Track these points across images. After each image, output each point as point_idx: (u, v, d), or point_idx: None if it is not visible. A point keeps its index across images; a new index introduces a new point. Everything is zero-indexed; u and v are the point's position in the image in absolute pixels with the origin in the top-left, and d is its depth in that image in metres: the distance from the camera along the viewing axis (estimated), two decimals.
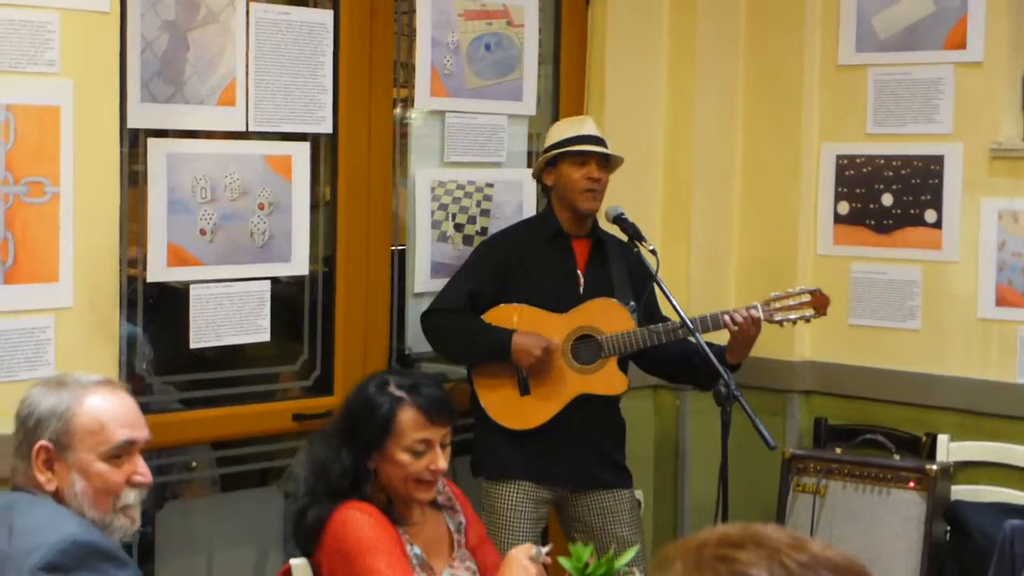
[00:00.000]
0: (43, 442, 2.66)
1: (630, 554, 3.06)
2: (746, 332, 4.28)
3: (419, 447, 3.31)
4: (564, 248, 4.50)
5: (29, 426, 2.68)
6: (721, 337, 4.35)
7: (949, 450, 4.85)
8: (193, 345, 4.10)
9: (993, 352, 4.88)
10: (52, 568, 2.43)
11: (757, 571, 1.40)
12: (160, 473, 3.99)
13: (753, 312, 4.28)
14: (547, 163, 4.49)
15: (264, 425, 4.35)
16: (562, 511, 4.54)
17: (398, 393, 3.35)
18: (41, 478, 2.66)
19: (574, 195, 4.43)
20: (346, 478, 3.30)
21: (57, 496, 2.66)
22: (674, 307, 4.18)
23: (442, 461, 3.34)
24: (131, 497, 2.70)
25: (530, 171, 4.98)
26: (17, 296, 3.57)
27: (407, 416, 3.32)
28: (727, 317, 4.29)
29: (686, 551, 1.46)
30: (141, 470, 2.72)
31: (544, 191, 4.61)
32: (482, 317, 4.42)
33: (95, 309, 3.72)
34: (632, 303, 4.41)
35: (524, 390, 4.40)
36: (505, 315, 4.41)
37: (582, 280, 4.48)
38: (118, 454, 2.70)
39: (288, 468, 4.07)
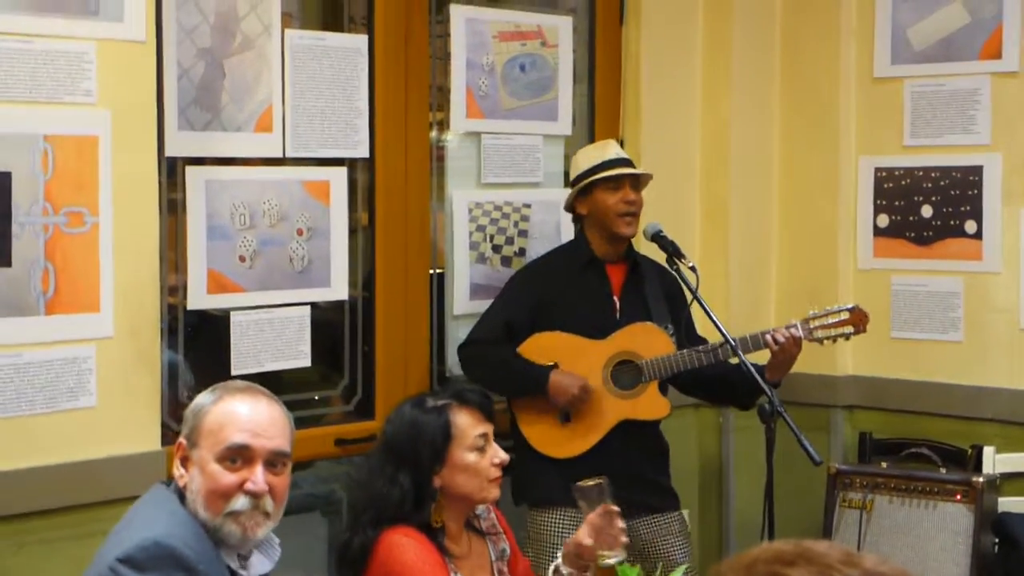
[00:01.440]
0: (180, 439, 2.73)
1: (678, 573, 3.04)
2: (787, 351, 4.25)
3: (480, 442, 3.36)
4: (599, 274, 4.48)
5: (186, 420, 2.77)
6: (760, 356, 4.33)
7: (995, 462, 4.81)
8: (234, 372, 4.10)
9: None
10: (126, 560, 2.50)
11: None
12: None
13: (794, 331, 4.25)
14: (579, 192, 4.47)
15: (307, 450, 4.33)
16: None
17: (443, 402, 3.38)
18: (176, 472, 2.72)
19: (612, 220, 4.41)
20: (408, 502, 3.29)
21: (184, 492, 2.71)
22: (717, 326, 4.15)
23: (503, 452, 3.40)
24: (241, 503, 2.68)
25: (567, 191, 4.98)
26: (59, 326, 3.59)
27: (462, 417, 3.36)
28: (768, 337, 4.26)
29: (738, 568, 1.45)
30: (255, 478, 2.69)
31: (575, 219, 4.59)
32: (521, 346, 4.41)
33: (136, 338, 3.73)
34: (670, 325, 4.39)
35: (565, 419, 4.38)
36: (544, 344, 4.39)
37: (618, 305, 4.45)
38: (233, 457, 2.69)
39: (334, 494, 4.07)
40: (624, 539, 3.27)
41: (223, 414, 2.72)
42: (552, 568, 3.32)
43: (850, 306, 4.34)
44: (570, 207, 4.54)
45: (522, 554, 3.60)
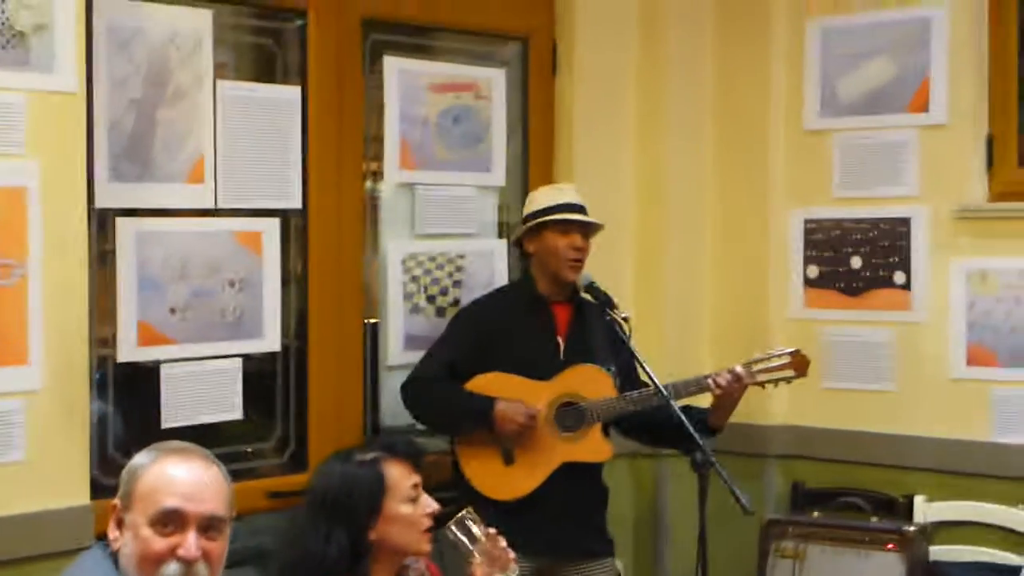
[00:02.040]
0: (115, 500, 2.66)
1: None
2: (729, 394, 4.28)
3: (414, 493, 3.34)
4: (544, 313, 4.48)
5: (122, 480, 2.69)
6: (704, 399, 4.35)
7: (927, 511, 4.84)
8: (165, 424, 4.06)
9: (967, 411, 4.89)
10: None
11: None
12: None
13: (737, 373, 4.27)
14: (529, 230, 4.49)
15: (239, 504, 4.23)
16: None
17: (372, 455, 3.35)
18: (111, 535, 2.64)
19: (558, 264, 4.42)
20: (344, 559, 3.26)
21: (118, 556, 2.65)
22: (648, 375, 4.17)
23: (434, 502, 3.37)
24: (172, 570, 2.59)
25: (501, 241, 5.01)
26: None
27: (394, 469, 3.33)
28: (710, 380, 4.28)
29: None
30: (187, 544, 2.60)
31: (522, 256, 4.61)
32: (465, 385, 4.40)
33: (65, 391, 3.68)
34: (613, 368, 4.40)
35: (508, 460, 4.37)
36: (487, 384, 4.39)
37: (562, 345, 4.46)
38: (165, 522, 2.61)
39: (266, 547, 4.02)
40: (512, 556, 3.33)
41: (156, 477, 2.64)
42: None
43: (791, 350, 4.38)
44: (518, 243, 4.56)
45: None
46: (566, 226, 4.42)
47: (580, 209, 4.47)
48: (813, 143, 5.24)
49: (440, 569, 3.58)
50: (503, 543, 3.33)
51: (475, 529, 3.33)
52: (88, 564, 2.65)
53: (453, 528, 3.32)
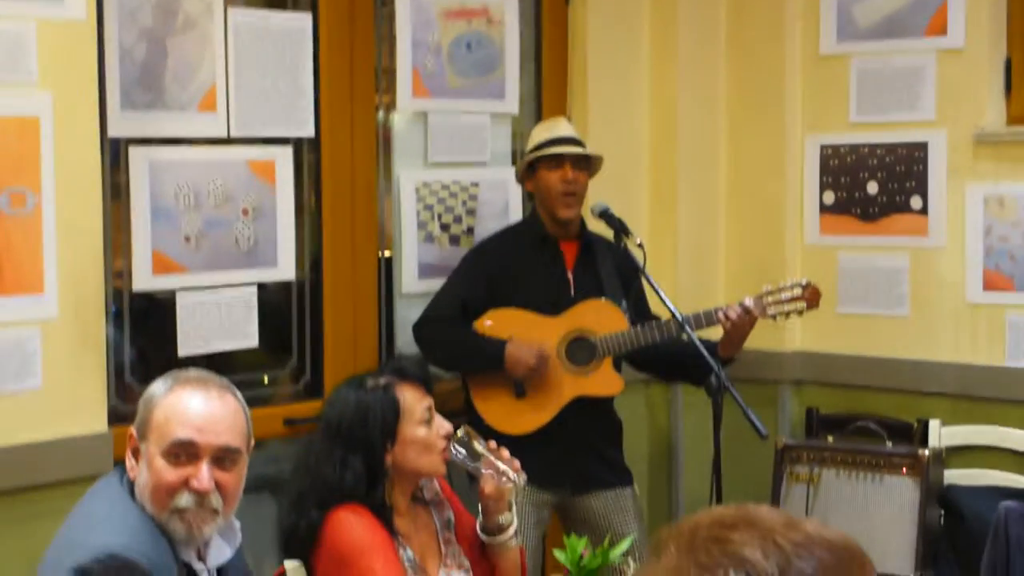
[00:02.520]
0: (132, 429, 2.65)
1: (624, 545, 3.06)
2: (740, 328, 4.27)
3: (428, 415, 3.35)
4: (553, 251, 4.48)
5: (139, 409, 2.68)
6: (714, 333, 4.35)
7: (941, 435, 4.85)
8: (181, 353, 4.08)
9: (982, 336, 4.88)
10: (81, 572, 2.42)
11: (751, 551, 1.39)
12: None
13: (748, 304, 4.26)
14: (526, 169, 4.47)
15: (255, 431, 4.30)
16: (565, 514, 4.51)
17: (385, 380, 3.36)
18: (128, 464, 2.64)
19: (552, 201, 4.41)
20: (361, 484, 3.28)
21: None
22: (663, 301, 4.17)
23: (447, 423, 3.39)
24: (185, 500, 2.59)
25: (513, 170, 4.99)
26: (2, 308, 3.56)
27: (407, 393, 3.34)
28: (721, 314, 4.27)
29: (679, 534, 1.45)
30: (200, 476, 2.60)
31: (529, 196, 4.60)
32: (476, 323, 4.41)
33: (81, 319, 3.70)
34: (624, 302, 4.40)
35: (520, 394, 4.38)
36: (498, 320, 4.39)
37: (572, 282, 4.46)
38: (177, 453, 2.61)
39: (283, 475, 4.04)
40: (517, 464, 3.35)
41: (171, 408, 2.62)
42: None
43: (803, 281, 4.36)
44: (521, 182, 4.55)
45: (469, 518, 3.60)
46: (556, 160, 4.40)
47: (572, 142, 4.45)
48: (829, 68, 5.20)
49: (451, 486, 3.61)
50: (506, 453, 3.35)
51: (477, 446, 3.35)
52: (105, 492, 2.65)
53: (454, 448, 3.33)
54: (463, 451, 3.35)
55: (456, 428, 3.37)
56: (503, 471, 3.34)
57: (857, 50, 5.15)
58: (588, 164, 4.47)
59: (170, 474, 2.60)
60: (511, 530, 3.43)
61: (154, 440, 2.61)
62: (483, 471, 3.33)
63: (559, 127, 4.51)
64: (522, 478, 3.33)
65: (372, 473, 3.29)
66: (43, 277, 3.62)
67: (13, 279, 3.57)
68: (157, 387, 2.68)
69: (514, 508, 3.44)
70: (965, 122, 4.92)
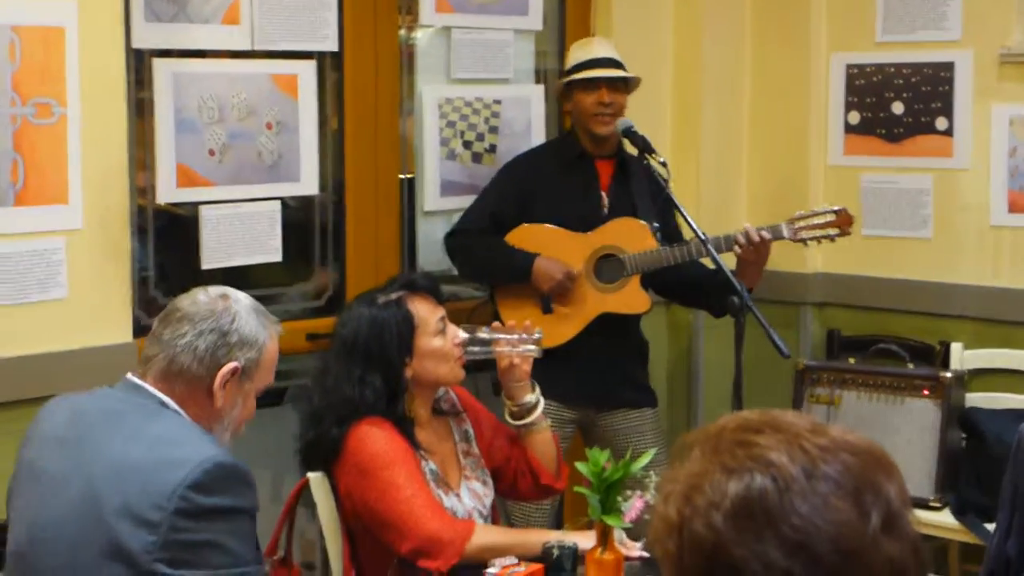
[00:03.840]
0: (237, 363, 2.63)
1: (647, 457, 3.07)
2: (757, 252, 4.24)
3: (441, 326, 3.38)
4: (587, 169, 4.48)
5: (231, 340, 2.63)
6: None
7: (963, 358, 4.85)
8: (204, 266, 4.09)
9: (1005, 259, 4.87)
10: (198, 487, 2.41)
11: (776, 455, 1.39)
12: None
13: (764, 234, 4.23)
14: (562, 90, 4.46)
15: (281, 346, 4.34)
16: (588, 432, 4.53)
17: (396, 295, 3.37)
18: (218, 392, 2.62)
19: (587, 119, 4.41)
20: (381, 399, 3.30)
21: (207, 413, 2.63)
22: (687, 221, 4.15)
23: (461, 331, 3.42)
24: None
25: (538, 87, 4.99)
26: (27, 218, 3.57)
27: (419, 305, 3.37)
28: (741, 236, 4.24)
29: (705, 437, 1.46)
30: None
31: (568, 114, 4.58)
32: (506, 238, 4.41)
33: (106, 229, 3.72)
34: (655, 223, 4.39)
35: (547, 309, 4.39)
36: (528, 235, 4.40)
37: (605, 200, 4.46)
38: (262, 395, 2.75)
39: (302, 389, 4.07)
40: (528, 323, 3.50)
41: (271, 355, 2.71)
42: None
43: (836, 208, 4.34)
44: (559, 103, 4.54)
45: (489, 419, 3.63)
46: (591, 83, 4.39)
47: (608, 63, 4.42)
48: None
49: (472, 393, 3.64)
50: (513, 322, 3.43)
51: (482, 334, 3.42)
52: (158, 416, 2.59)
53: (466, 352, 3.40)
54: (474, 348, 3.39)
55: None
56: (517, 339, 3.38)
57: None
58: (625, 84, 4.45)
59: (254, 408, 2.73)
60: (539, 409, 3.47)
61: (260, 379, 2.69)
62: (496, 351, 3.37)
63: (595, 47, 4.48)
64: (538, 334, 3.38)
65: (391, 388, 3.32)
66: (68, 188, 3.63)
67: (38, 189, 3.58)
68: (258, 329, 2.68)
69: (537, 388, 3.47)
70: (991, 42, 4.87)
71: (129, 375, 2.65)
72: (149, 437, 2.51)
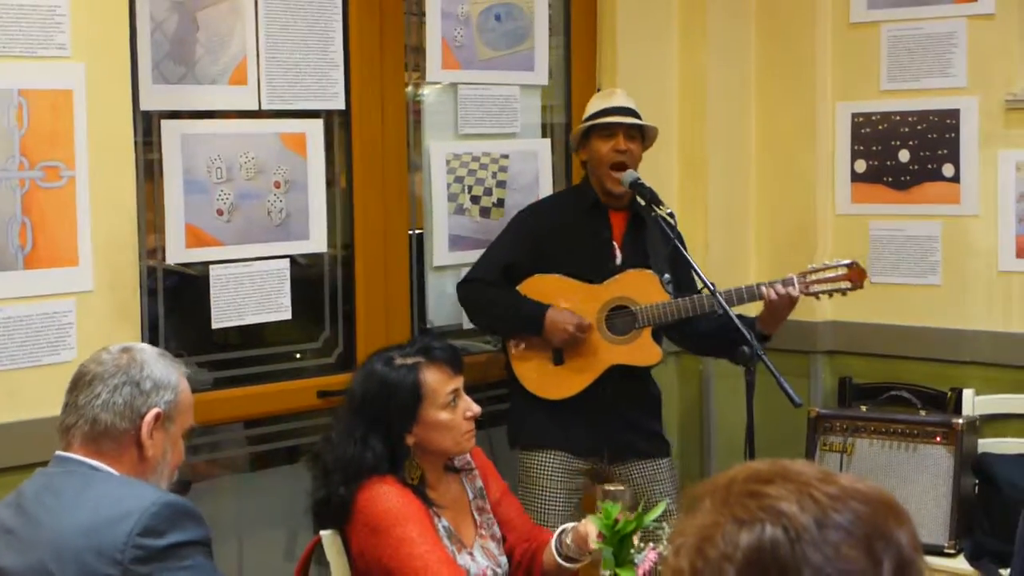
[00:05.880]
0: (159, 409, 2.66)
1: (659, 509, 3.07)
2: (782, 305, 4.25)
3: (451, 399, 3.36)
4: (601, 219, 4.48)
5: (146, 388, 2.66)
6: (754, 308, 4.34)
7: (975, 404, 4.83)
8: (215, 325, 4.11)
9: (1015, 304, 4.86)
10: (148, 532, 2.45)
11: (787, 505, 1.39)
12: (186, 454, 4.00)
13: (791, 290, 4.24)
14: (581, 138, 4.48)
15: (289, 403, 4.35)
16: (601, 483, 4.52)
17: (412, 360, 3.36)
18: (147, 442, 2.65)
19: (601, 171, 4.41)
20: (383, 463, 3.30)
21: (139, 466, 2.66)
22: (697, 273, 4.15)
23: (475, 405, 3.41)
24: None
25: (545, 141, 5.01)
26: (37, 281, 3.59)
27: (432, 375, 3.35)
28: (764, 289, 4.25)
29: (715, 488, 1.46)
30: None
31: (583, 165, 4.60)
32: (518, 288, 4.42)
33: (116, 291, 3.73)
34: (667, 275, 4.40)
35: (558, 360, 4.40)
36: (540, 286, 4.40)
37: (618, 252, 4.46)
38: (187, 436, 2.79)
39: (315, 446, 4.06)
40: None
41: (188, 394, 2.76)
42: (559, 532, 3.34)
43: (848, 261, 4.34)
44: (575, 151, 4.57)
45: (499, 484, 3.60)
46: (608, 130, 4.40)
47: (625, 112, 4.44)
48: (860, 36, 5.17)
49: (488, 454, 3.62)
50: None
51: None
52: (93, 477, 2.61)
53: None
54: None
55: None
56: None
57: (887, 17, 5.12)
58: (642, 135, 4.46)
59: (183, 451, 2.77)
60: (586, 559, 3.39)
61: (182, 422, 2.73)
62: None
63: (615, 97, 4.51)
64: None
65: (393, 453, 3.31)
66: (78, 250, 3.65)
67: (48, 252, 3.60)
68: (169, 370, 2.73)
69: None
70: (996, 88, 4.89)
71: (57, 452, 2.67)
72: (90, 502, 2.53)
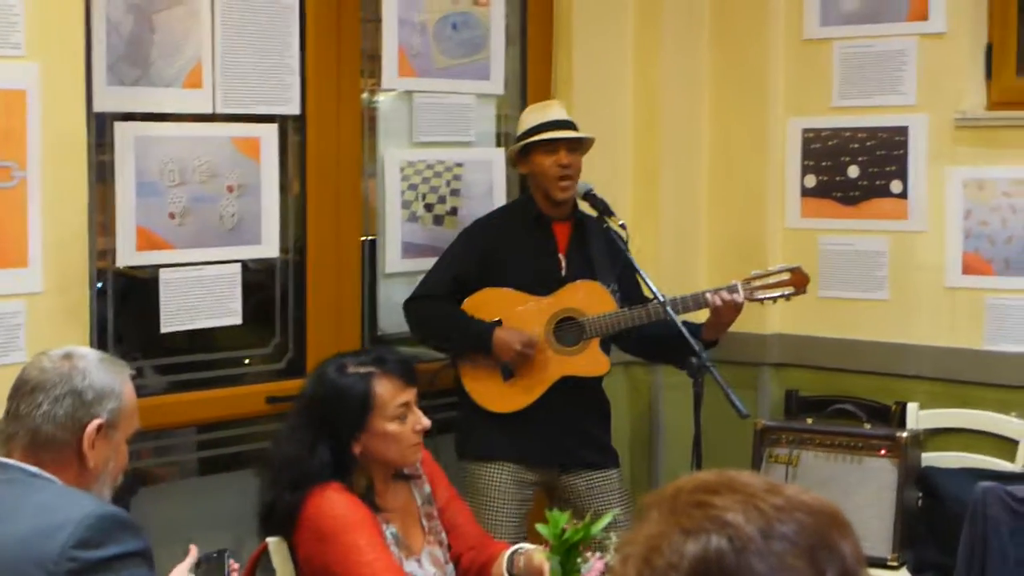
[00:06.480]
0: (100, 419, 2.62)
1: (606, 519, 3.08)
2: (727, 312, 4.29)
3: (401, 411, 3.34)
4: (545, 232, 4.50)
5: (88, 398, 2.61)
6: (699, 315, 4.37)
7: (919, 418, 4.88)
8: (164, 329, 4.09)
9: (961, 320, 4.91)
10: (83, 544, 2.40)
11: (732, 515, 1.40)
12: (134, 458, 3.98)
13: (735, 297, 4.28)
14: (519, 153, 4.49)
15: (238, 408, 4.34)
16: (550, 494, 4.54)
17: (365, 370, 3.35)
18: (89, 453, 2.61)
19: (548, 184, 4.43)
20: (327, 469, 3.29)
21: (81, 475, 2.62)
22: (646, 283, 4.20)
23: (425, 419, 3.39)
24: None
25: (499, 151, 5.02)
26: None
27: (383, 387, 3.34)
28: (709, 296, 4.29)
29: (661, 499, 1.47)
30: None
31: (520, 178, 4.61)
32: (466, 301, 4.43)
33: (65, 293, 3.71)
34: (614, 285, 4.42)
35: (507, 375, 4.41)
36: (489, 299, 4.41)
37: (563, 263, 4.48)
38: (131, 440, 2.75)
39: (265, 452, 4.06)
40: None
41: (132, 398, 2.70)
42: (511, 551, 3.35)
43: (792, 266, 4.39)
44: (514, 164, 4.57)
45: (447, 489, 3.60)
46: (550, 145, 4.42)
47: (565, 125, 4.47)
48: (812, 52, 5.22)
49: (435, 458, 3.62)
50: None
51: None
52: (31, 485, 2.58)
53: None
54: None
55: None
56: None
57: (840, 34, 5.16)
58: (581, 146, 4.49)
59: (126, 456, 2.72)
60: None
61: (126, 429, 2.68)
62: None
63: (552, 110, 4.53)
64: None
65: (339, 460, 3.30)
66: (28, 251, 3.63)
67: None
68: (112, 377, 2.67)
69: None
70: (946, 107, 4.94)
71: None
72: (29, 509, 2.49)
